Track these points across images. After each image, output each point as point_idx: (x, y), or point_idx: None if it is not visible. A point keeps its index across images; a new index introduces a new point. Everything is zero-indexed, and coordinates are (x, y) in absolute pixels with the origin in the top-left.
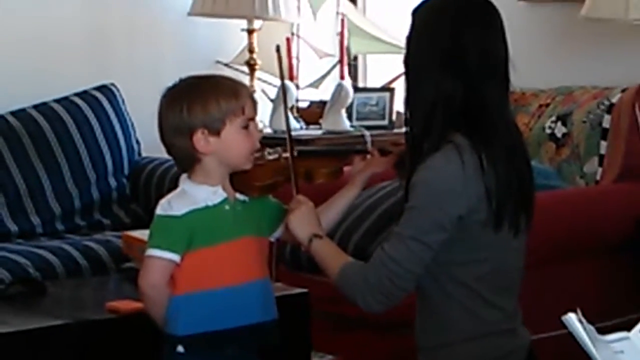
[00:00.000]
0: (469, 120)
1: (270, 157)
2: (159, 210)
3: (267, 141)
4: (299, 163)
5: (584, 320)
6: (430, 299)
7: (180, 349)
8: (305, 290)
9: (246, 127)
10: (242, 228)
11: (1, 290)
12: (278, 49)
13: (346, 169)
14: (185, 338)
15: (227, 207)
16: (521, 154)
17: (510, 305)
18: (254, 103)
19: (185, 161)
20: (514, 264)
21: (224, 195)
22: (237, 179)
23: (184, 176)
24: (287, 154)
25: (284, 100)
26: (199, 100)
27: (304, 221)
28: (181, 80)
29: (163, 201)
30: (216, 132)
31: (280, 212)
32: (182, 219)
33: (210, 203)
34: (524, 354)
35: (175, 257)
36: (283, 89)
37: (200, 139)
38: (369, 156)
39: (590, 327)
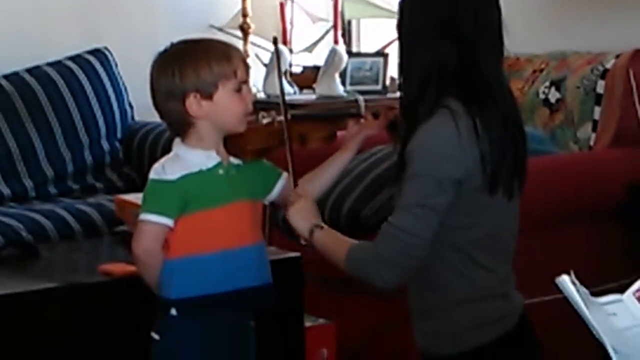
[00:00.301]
0: (463, 85)
1: (264, 121)
2: (152, 175)
3: (261, 105)
4: (292, 127)
5: (577, 282)
6: (425, 263)
7: (173, 312)
8: (298, 254)
9: (239, 90)
10: (236, 192)
11: None
12: (275, 42)
13: (340, 133)
14: (178, 301)
15: (221, 171)
16: (515, 119)
17: (504, 269)
18: (246, 66)
19: (179, 126)
20: (508, 229)
21: (218, 159)
22: (231, 143)
23: (177, 140)
24: (281, 118)
25: (280, 89)
26: (190, 64)
27: (304, 214)
28: (172, 45)
29: (156, 165)
30: (209, 96)
31: (274, 176)
32: (175, 184)
33: (204, 167)
34: (516, 318)
35: (169, 222)
36: (280, 85)
37: (193, 103)
38: (362, 120)
39: (584, 290)
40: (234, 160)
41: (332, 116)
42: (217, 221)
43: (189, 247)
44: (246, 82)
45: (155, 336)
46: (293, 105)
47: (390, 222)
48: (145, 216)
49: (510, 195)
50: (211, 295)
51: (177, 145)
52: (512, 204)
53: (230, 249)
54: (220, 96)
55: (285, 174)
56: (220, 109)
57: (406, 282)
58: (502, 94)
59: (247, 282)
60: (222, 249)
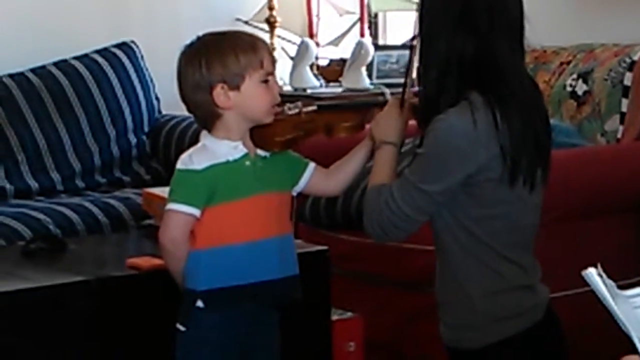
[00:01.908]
0: (481, 77)
1: (291, 112)
2: (179, 165)
3: (287, 99)
4: (319, 117)
5: (604, 275)
6: (449, 254)
7: (199, 303)
8: (325, 247)
9: (266, 81)
10: (263, 183)
11: (22, 247)
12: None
13: (367, 126)
14: (205, 293)
15: (247, 162)
16: (537, 109)
17: (527, 260)
18: (273, 57)
19: (206, 117)
20: (529, 220)
21: (245, 150)
22: (257, 135)
23: (204, 132)
24: (308, 109)
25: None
26: (217, 55)
27: (385, 125)
28: (199, 37)
29: (184, 156)
30: (236, 87)
31: (301, 166)
32: (202, 173)
33: (230, 158)
34: (542, 312)
35: (196, 212)
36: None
37: (220, 94)
38: None
39: (611, 282)
40: (260, 152)
41: (359, 105)
42: (243, 212)
43: (215, 238)
44: (273, 73)
45: (181, 327)
46: (319, 98)
47: (392, 186)
48: (172, 206)
49: (532, 186)
50: (237, 286)
51: (205, 137)
52: (535, 195)
53: (256, 240)
54: (247, 87)
55: (312, 164)
56: (248, 100)
57: (390, 241)
58: (522, 84)
59: (273, 274)
60: (248, 240)
